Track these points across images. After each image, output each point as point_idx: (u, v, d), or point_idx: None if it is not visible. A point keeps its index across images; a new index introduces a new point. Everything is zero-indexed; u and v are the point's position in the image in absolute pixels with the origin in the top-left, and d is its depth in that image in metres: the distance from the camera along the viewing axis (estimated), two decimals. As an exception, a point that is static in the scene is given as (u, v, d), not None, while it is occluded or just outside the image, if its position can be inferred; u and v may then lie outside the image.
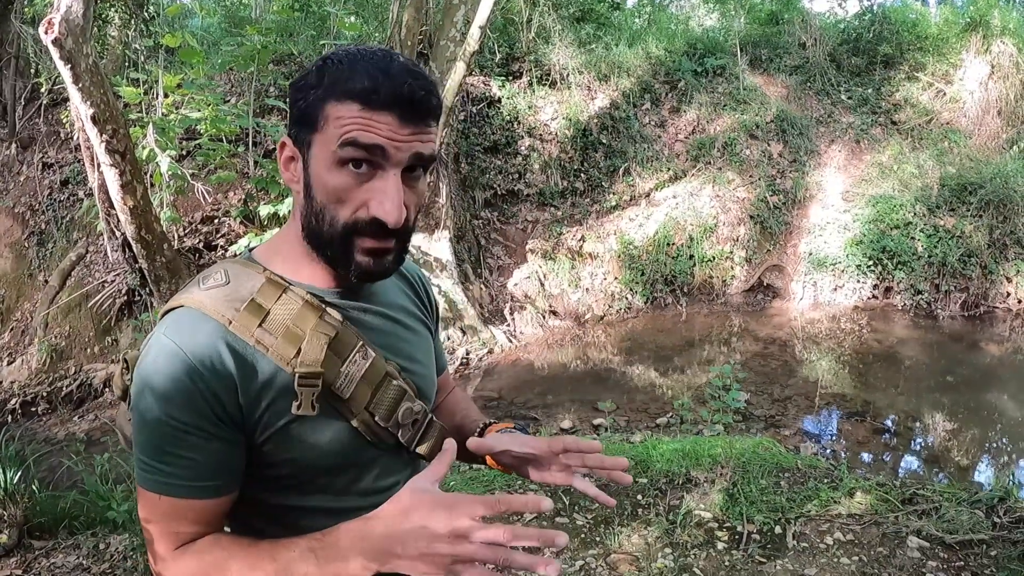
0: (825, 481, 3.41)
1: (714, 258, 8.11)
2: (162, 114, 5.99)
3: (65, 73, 3.89)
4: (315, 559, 0.77)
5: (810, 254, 8.17)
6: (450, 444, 0.82)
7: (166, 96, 6.05)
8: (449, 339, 6.67)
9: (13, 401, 5.90)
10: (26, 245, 7.09)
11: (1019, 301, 7.52)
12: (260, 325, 0.86)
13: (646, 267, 7.91)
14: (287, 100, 0.89)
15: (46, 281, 6.72)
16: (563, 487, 3.27)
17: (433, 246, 7.03)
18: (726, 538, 2.98)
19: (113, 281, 6.31)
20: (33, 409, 5.93)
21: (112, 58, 7.64)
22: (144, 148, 5.32)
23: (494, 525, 0.70)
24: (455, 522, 0.71)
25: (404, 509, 0.74)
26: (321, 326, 0.89)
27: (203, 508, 0.85)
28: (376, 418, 0.93)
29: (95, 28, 6.43)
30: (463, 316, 6.85)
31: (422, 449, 1.01)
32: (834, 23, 10.82)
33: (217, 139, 6.08)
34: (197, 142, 6.24)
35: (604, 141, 8.78)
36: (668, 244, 8.04)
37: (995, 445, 5.03)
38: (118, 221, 5.11)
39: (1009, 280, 7.59)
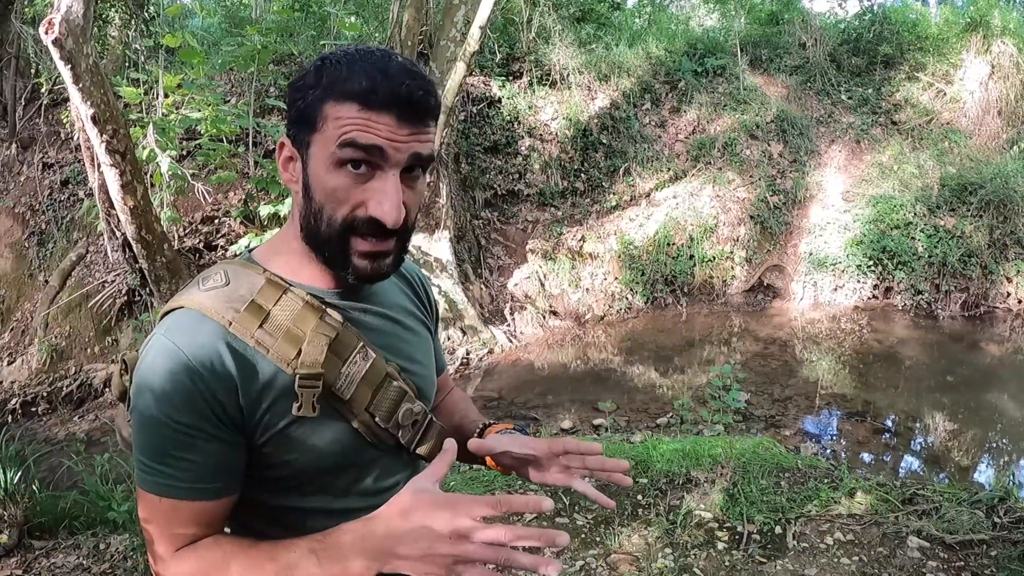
0: (825, 481, 3.41)
1: (714, 258, 8.11)
2: (162, 114, 5.99)
3: (65, 73, 3.89)
4: (316, 560, 0.77)
5: (810, 254, 8.16)
6: (450, 444, 0.82)
7: (166, 96, 6.05)
8: (449, 339, 6.67)
9: (13, 401, 5.90)
10: (26, 245, 7.09)
11: (1019, 301, 7.52)
12: (260, 326, 0.86)
13: (646, 267, 7.91)
14: (286, 100, 0.89)
15: (46, 281, 6.72)
16: (563, 488, 3.28)
17: (433, 246, 7.03)
18: (726, 538, 2.98)
19: (113, 281, 6.32)
20: (33, 409, 5.93)
21: (112, 58, 7.64)
22: (144, 148, 5.32)
23: (495, 525, 0.71)
24: (456, 522, 0.71)
25: (405, 509, 0.74)
26: (321, 327, 0.89)
27: (203, 510, 0.84)
28: (376, 419, 0.93)
29: (95, 28, 6.43)
30: (463, 316, 6.85)
31: (422, 450, 1.01)
32: (834, 23, 10.82)
33: (217, 139, 6.09)
34: (197, 142, 6.24)
35: (604, 141, 8.78)
36: (668, 244, 8.04)
37: (995, 445, 5.03)
38: (118, 221, 5.11)
39: (1009, 280, 7.58)
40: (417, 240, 6.92)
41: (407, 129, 0.82)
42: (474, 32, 6.22)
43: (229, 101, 7.00)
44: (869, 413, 5.30)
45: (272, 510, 0.92)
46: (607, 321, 7.66)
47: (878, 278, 7.83)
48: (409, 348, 1.02)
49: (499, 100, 8.55)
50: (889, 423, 5.24)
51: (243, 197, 6.75)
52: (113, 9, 7.69)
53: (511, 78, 8.89)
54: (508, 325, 7.26)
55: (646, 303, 7.89)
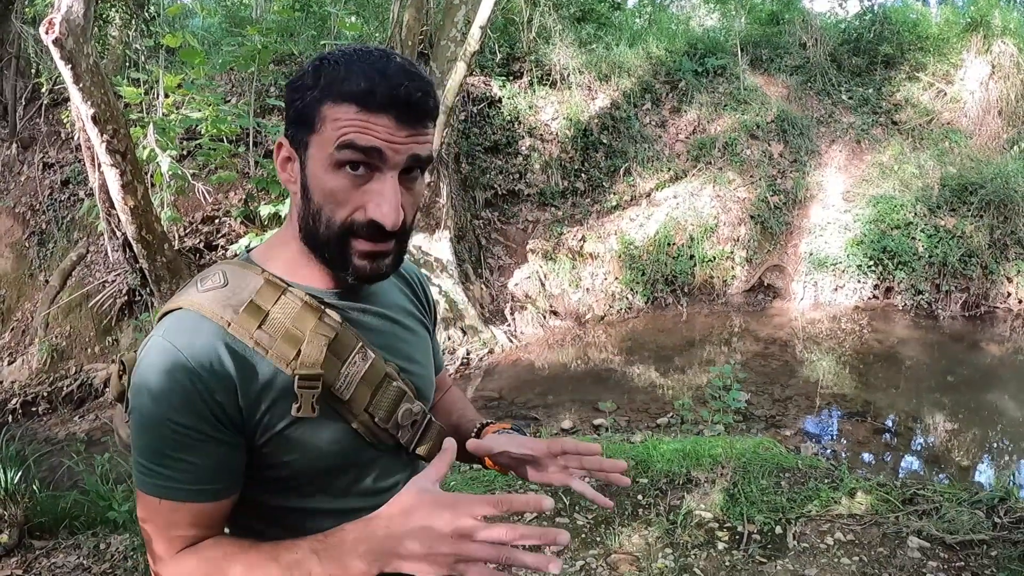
0: (826, 481, 3.41)
1: (715, 258, 8.11)
2: (163, 114, 5.99)
3: (66, 73, 3.89)
4: (318, 560, 0.77)
5: (811, 254, 8.16)
6: (450, 444, 0.82)
7: (167, 96, 6.05)
8: (450, 339, 6.67)
9: (14, 401, 5.91)
10: (27, 245, 7.10)
11: (1020, 301, 7.51)
12: (259, 327, 0.85)
13: (647, 267, 7.91)
14: (285, 100, 0.89)
15: (47, 281, 6.73)
16: (563, 487, 3.28)
17: (434, 246, 7.03)
18: (726, 538, 2.98)
19: (114, 281, 6.32)
20: (34, 409, 5.93)
21: (113, 58, 7.65)
22: (145, 148, 5.32)
23: (496, 524, 0.71)
24: (458, 522, 0.71)
25: (406, 509, 0.74)
26: (320, 327, 0.88)
27: (203, 511, 0.84)
28: (376, 419, 0.93)
29: (96, 28, 6.44)
30: (464, 316, 6.85)
31: (421, 450, 1.01)
32: (835, 23, 10.82)
33: (218, 139, 6.09)
34: (198, 142, 6.24)
35: (605, 141, 8.78)
36: (669, 244, 8.04)
37: (996, 445, 5.03)
38: (119, 221, 5.11)
39: (1010, 280, 7.58)
40: (417, 240, 6.92)
41: (406, 131, 0.82)
42: (474, 32, 6.22)
43: (229, 101, 7.00)
44: (869, 413, 5.30)
45: (272, 511, 0.92)
46: (607, 321, 7.66)
47: (878, 278, 7.83)
48: (408, 348, 1.02)
49: (499, 100, 8.55)
50: (889, 423, 5.24)
51: (243, 197, 6.75)
52: (113, 9, 7.70)
53: (511, 78, 8.89)
54: (508, 325, 7.26)
55: (646, 303, 7.89)
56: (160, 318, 0.87)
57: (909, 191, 8.17)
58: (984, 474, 4.49)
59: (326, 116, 0.82)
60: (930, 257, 7.63)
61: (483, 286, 7.51)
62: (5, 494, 3.24)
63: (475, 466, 3.46)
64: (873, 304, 7.81)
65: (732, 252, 8.17)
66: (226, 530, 0.91)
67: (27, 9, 7.48)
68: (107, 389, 5.99)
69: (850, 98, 9.69)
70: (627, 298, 7.85)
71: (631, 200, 8.53)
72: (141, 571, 2.86)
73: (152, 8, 8.11)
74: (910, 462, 4.71)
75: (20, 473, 3.47)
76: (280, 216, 5.64)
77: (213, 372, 0.81)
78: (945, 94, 9.52)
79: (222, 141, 6.14)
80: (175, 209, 6.22)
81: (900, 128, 9.27)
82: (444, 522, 0.71)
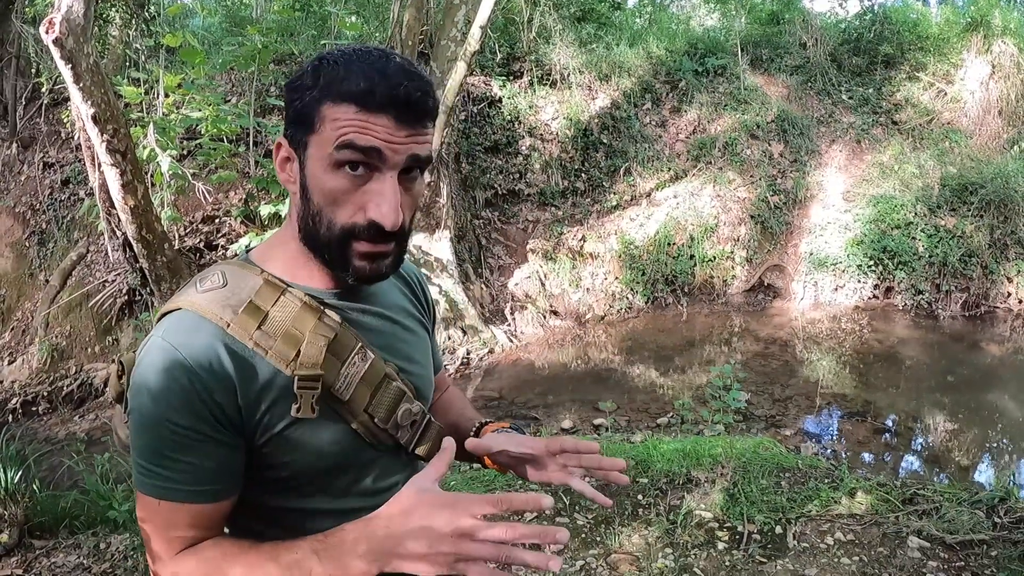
0: (826, 481, 3.41)
1: (715, 258, 8.11)
2: (163, 114, 5.99)
3: (66, 73, 3.89)
4: (318, 560, 0.77)
5: (811, 254, 8.16)
6: (449, 443, 0.82)
7: (167, 96, 6.05)
8: (450, 339, 6.67)
9: (14, 400, 5.91)
10: (27, 245, 7.10)
11: (1020, 301, 7.51)
12: (259, 327, 0.85)
13: (647, 267, 7.91)
14: (284, 100, 0.89)
15: (47, 281, 6.73)
16: (563, 486, 3.27)
17: (434, 246, 7.03)
18: (727, 538, 2.98)
19: (114, 281, 6.32)
20: (34, 409, 5.93)
21: (113, 58, 7.65)
22: (145, 148, 5.32)
23: (496, 523, 0.71)
24: (458, 521, 0.71)
25: (406, 509, 0.74)
26: (320, 328, 0.88)
27: (202, 512, 0.84)
28: (375, 420, 0.93)
29: (96, 28, 6.44)
30: (464, 316, 6.85)
31: (421, 450, 1.01)
32: (835, 23, 10.81)
33: (218, 139, 6.09)
34: (198, 142, 6.24)
35: (605, 141, 8.78)
36: (669, 244, 8.04)
37: (996, 445, 5.03)
38: (119, 221, 5.11)
39: (1010, 280, 7.58)
40: (418, 240, 6.92)
41: (405, 130, 0.82)
42: (475, 32, 6.22)
43: (230, 100, 7.00)
44: (869, 413, 5.30)
45: (272, 511, 0.92)
46: (607, 321, 7.66)
47: (879, 278, 7.83)
48: (407, 348, 1.02)
49: (500, 100, 8.55)
50: (889, 423, 5.24)
51: (244, 197, 6.75)
52: (114, 9, 7.70)
53: (512, 78, 8.89)
54: (508, 325, 7.26)
55: (646, 303, 7.89)
56: (159, 319, 0.87)
57: (909, 191, 8.17)
58: (984, 474, 4.49)
59: (325, 116, 0.82)
60: (930, 257, 7.63)
61: (483, 286, 7.51)
62: (5, 493, 3.25)
63: (474, 465, 3.46)
64: (873, 304, 7.81)
65: (732, 252, 8.17)
66: (225, 530, 0.91)
67: (27, 9, 7.48)
68: (107, 389, 5.99)
69: (850, 98, 9.69)
70: (627, 298, 7.85)
71: (631, 200, 8.53)
72: (141, 571, 2.87)
73: (152, 8, 8.11)
74: (910, 462, 4.71)
75: (20, 473, 3.47)
76: (280, 216, 5.64)
77: (212, 372, 0.81)
78: (945, 94, 9.52)
79: (222, 141, 6.14)
80: (175, 209, 6.22)
81: (900, 128, 9.27)
82: (444, 521, 0.71)
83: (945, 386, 5.95)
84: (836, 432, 5.21)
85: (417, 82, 0.82)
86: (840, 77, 9.89)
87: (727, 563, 2.81)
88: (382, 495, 0.90)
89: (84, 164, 6.01)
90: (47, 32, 3.70)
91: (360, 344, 0.92)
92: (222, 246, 6.57)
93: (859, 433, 5.01)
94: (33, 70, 7.83)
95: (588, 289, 7.84)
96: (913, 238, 7.78)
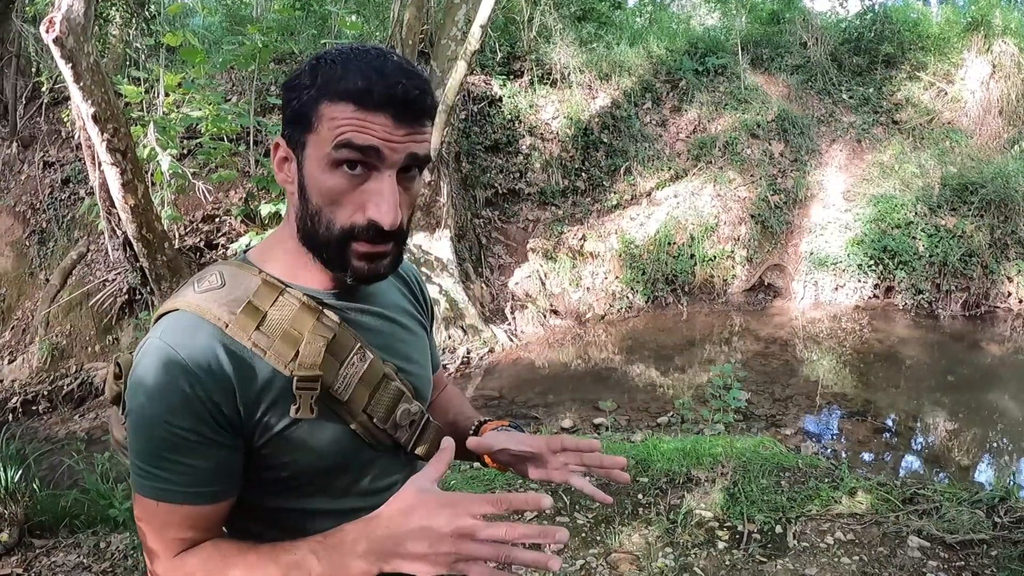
0: (826, 481, 3.41)
1: (715, 257, 8.11)
2: (163, 113, 5.99)
3: (66, 72, 3.89)
4: (317, 561, 0.77)
5: (811, 253, 8.16)
6: (448, 443, 0.82)
7: (167, 95, 6.05)
8: (450, 338, 6.67)
9: (14, 400, 5.91)
10: (27, 244, 7.10)
11: (1020, 301, 7.51)
12: (257, 328, 0.85)
13: (647, 266, 7.91)
14: (282, 100, 0.88)
15: (47, 280, 6.73)
16: (563, 485, 3.28)
17: (434, 245, 7.03)
18: (727, 537, 2.98)
19: (114, 280, 6.32)
20: (34, 408, 5.93)
21: (113, 57, 7.65)
22: (145, 147, 5.32)
23: (496, 523, 0.71)
24: (458, 521, 0.71)
25: (405, 509, 0.74)
26: (319, 328, 0.88)
27: (201, 514, 0.84)
28: (374, 420, 0.93)
29: (96, 27, 6.43)
30: (464, 315, 6.85)
31: (420, 450, 1.01)
32: (835, 22, 10.81)
33: (218, 138, 6.09)
34: (198, 141, 6.24)
35: (605, 140, 8.77)
36: (669, 243, 8.04)
37: (996, 445, 5.03)
38: (119, 220, 5.12)
39: (1010, 280, 7.58)
40: (418, 239, 6.92)
41: (403, 129, 0.82)
42: (475, 31, 6.22)
43: (230, 100, 7.00)
44: (870, 412, 5.30)
45: (271, 512, 0.92)
46: (608, 320, 7.66)
47: (879, 277, 7.83)
48: (406, 348, 1.02)
49: (500, 99, 8.54)
50: (890, 423, 5.24)
51: (244, 196, 6.75)
52: (114, 8, 7.70)
53: (512, 77, 8.89)
54: (509, 324, 7.26)
55: (647, 302, 7.89)
56: (157, 319, 0.87)
57: (910, 191, 8.17)
58: (984, 474, 4.49)
59: (323, 115, 0.81)
60: (930, 257, 7.63)
61: (483, 285, 7.51)
62: (5, 493, 3.25)
63: (474, 464, 3.46)
64: (873, 303, 7.81)
65: (732, 251, 8.17)
66: (223, 529, 0.91)
67: (28, 8, 7.48)
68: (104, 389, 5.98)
69: (851, 97, 9.68)
70: (627, 297, 7.85)
71: (631, 199, 8.53)
72: (141, 570, 2.87)
73: (152, 7, 8.10)
74: (910, 461, 4.71)
75: (20, 472, 3.47)
76: (280, 215, 5.64)
77: (211, 373, 0.80)
78: (946, 93, 9.52)
79: (222, 140, 6.14)
80: (175, 208, 6.22)
81: (901, 127, 9.27)
82: (444, 521, 0.71)
83: (945, 386, 5.95)
84: (836, 431, 5.21)
85: (415, 81, 0.82)
86: (840, 76, 9.88)
87: (727, 562, 2.81)
88: (381, 495, 0.89)
89: (84, 163, 6.01)
90: (47, 31, 3.70)
91: (359, 344, 0.92)
92: (222, 245, 6.57)
93: (859, 433, 5.01)
94: (33, 69, 7.82)
95: (588, 288, 7.84)
96: (913, 238, 7.77)
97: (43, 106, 7.54)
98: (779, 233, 8.33)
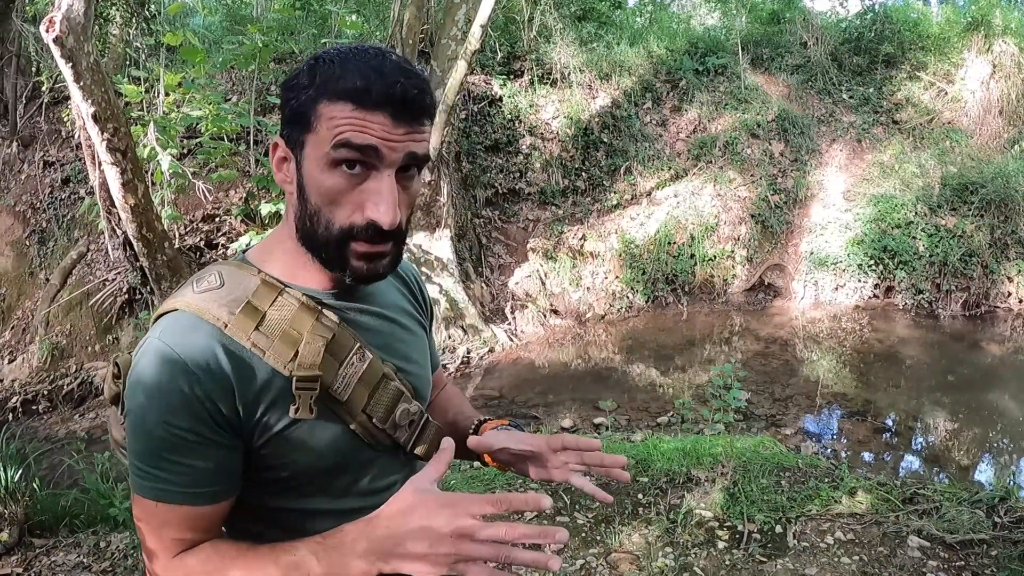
0: (826, 480, 3.41)
1: (715, 257, 8.11)
2: (163, 112, 5.99)
3: (66, 71, 3.89)
4: (317, 561, 0.77)
5: (811, 253, 8.16)
6: (448, 443, 0.82)
7: (167, 94, 6.05)
8: (450, 338, 6.67)
9: (14, 399, 5.91)
10: (27, 243, 7.10)
11: (1020, 301, 7.51)
12: (256, 328, 0.85)
13: (647, 266, 7.90)
14: (280, 99, 0.88)
15: (47, 279, 6.73)
16: (563, 485, 3.28)
17: (434, 245, 7.03)
18: (727, 537, 2.98)
19: (114, 279, 6.32)
20: (34, 407, 5.93)
21: (113, 56, 7.64)
22: (145, 146, 5.32)
23: (496, 523, 0.71)
24: (458, 521, 0.71)
25: (405, 510, 0.74)
26: (318, 328, 0.88)
27: (200, 514, 0.84)
28: (373, 420, 0.93)
29: (96, 26, 6.43)
30: (464, 315, 6.84)
31: (419, 450, 1.01)
32: (835, 22, 10.81)
33: (218, 137, 6.09)
34: (198, 140, 6.24)
35: (605, 140, 8.77)
36: (669, 243, 8.04)
37: (996, 445, 5.02)
38: (119, 219, 5.12)
39: (1010, 280, 7.58)
40: (418, 239, 6.92)
41: (402, 128, 0.81)
42: (475, 31, 6.22)
43: (230, 99, 7.00)
44: (870, 412, 5.30)
45: (270, 512, 0.92)
46: (608, 320, 7.66)
47: (879, 277, 7.82)
48: (406, 348, 1.02)
49: (500, 99, 8.54)
50: (890, 422, 5.23)
51: (244, 195, 6.75)
52: (114, 7, 7.69)
53: (512, 77, 8.88)
54: (509, 324, 7.26)
55: (647, 302, 7.88)
56: (156, 319, 0.87)
57: (910, 190, 8.17)
58: (984, 474, 4.49)
59: (322, 115, 0.81)
60: (931, 256, 7.63)
61: (483, 285, 7.51)
62: (5, 492, 3.25)
63: (474, 464, 3.46)
64: (873, 303, 7.81)
65: (733, 251, 8.17)
66: (223, 529, 0.91)
67: (28, 7, 7.48)
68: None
69: (851, 97, 9.68)
70: (627, 297, 7.85)
71: (632, 199, 8.52)
72: (141, 570, 2.86)
73: (153, 6, 8.09)
74: (910, 461, 4.71)
75: (20, 471, 3.47)
76: (280, 214, 5.63)
77: (210, 374, 0.80)
78: (946, 93, 9.51)
79: (222, 139, 6.14)
80: (175, 207, 6.22)
81: (901, 127, 9.27)
82: (444, 521, 0.71)
83: (945, 386, 5.95)
84: (836, 431, 5.21)
85: (414, 80, 0.82)
86: (841, 76, 9.88)
87: (727, 562, 2.81)
88: (381, 495, 0.89)
89: (84, 163, 6.01)
90: (47, 31, 3.70)
91: (358, 344, 0.91)
92: (222, 245, 6.57)
93: (859, 432, 5.01)
94: (33, 69, 7.82)
95: (588, 288, 7.84)
96: (913, 237, 7.77)
97: (43, 106, 7.54)
98: (779, 233, 8.33)
